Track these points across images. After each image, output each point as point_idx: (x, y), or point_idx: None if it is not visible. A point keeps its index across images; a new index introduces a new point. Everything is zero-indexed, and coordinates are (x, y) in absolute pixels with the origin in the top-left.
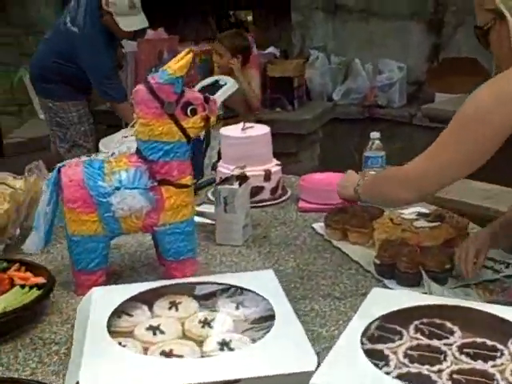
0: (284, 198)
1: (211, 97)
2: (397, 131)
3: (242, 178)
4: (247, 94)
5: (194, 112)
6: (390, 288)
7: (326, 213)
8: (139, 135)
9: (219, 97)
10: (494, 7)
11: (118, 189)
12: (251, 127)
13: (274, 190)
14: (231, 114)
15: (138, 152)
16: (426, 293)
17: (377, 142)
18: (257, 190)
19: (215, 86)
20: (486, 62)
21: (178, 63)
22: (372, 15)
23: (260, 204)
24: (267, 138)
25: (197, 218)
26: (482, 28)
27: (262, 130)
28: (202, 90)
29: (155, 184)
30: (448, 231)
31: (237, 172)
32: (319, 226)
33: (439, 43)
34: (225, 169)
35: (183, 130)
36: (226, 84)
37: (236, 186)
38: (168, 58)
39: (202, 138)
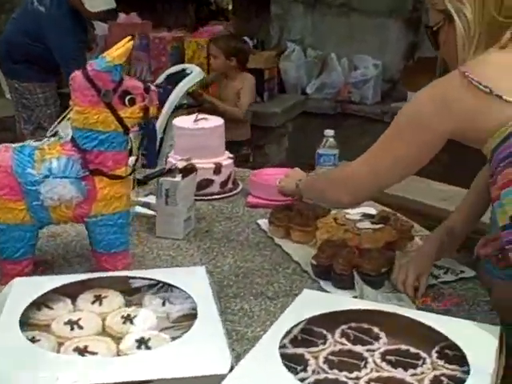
0: (234, 192)
1: (152, 86)
2: (368, 128)
3: (187, 171)
4: (221, 107)
5: (132, 101)
6: (325, 290)
7: (272, 209)
8: (74, 123)
9: (184, 85)
10: (444, 8)
11: (47, 177)
12: (204, 119)
13: (223, 184)
14: (196, 103)
15: (73, 140)
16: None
17: (331, 139)
18: (206, 183)
19: (181, 75)
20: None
21: (118, 51)
22: (351, 10)
23: (208, 197)
24: (220, 130)
25: (141, 209)
26: (431, 28)
27: (215, 122)
28: (169, 78)
29: (88, 174)
30: (390, 234)
31: (181, 164)
32: (264, 223)
33: (416, 42)
34: (175, 160)
35: (120, 120)
36: (192, 73)
37: (179, 178)
38: (139, 43)
39: (155, 127)
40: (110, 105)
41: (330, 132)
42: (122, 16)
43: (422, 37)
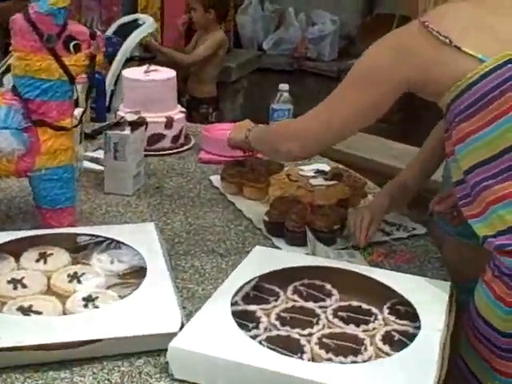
0: (186, 147)
1: (98, 32)
2: (324, 85)
3: (137, 124)
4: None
5: (77, 48)
6: (278, 247)
7: (223, 165)
8: (15, 70)
9: (136, 36)
10: None
11: None
12: (155, 70)
13: (175, 139)
14: (149, 55)
15: (14, 89)
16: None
17: (285, 94)
18: (157, 138)
19: (134, 25)
20: None
21: None
22: None
23: (159, 152)
24: (172, 83)
25: (89, 164)
26: None
27: (167, 74)
28: (120, 29)
29: (30, 125)
30: (343, 191)
31: (130, 117)
32: (216, 179)
33: None
34: (124, 113)
35: (64, 68)
36: (144, 23)
37: (128, 131)
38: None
39: (105, 78)
40: (53, 51)
41: (284, 86)
42: None
43: None
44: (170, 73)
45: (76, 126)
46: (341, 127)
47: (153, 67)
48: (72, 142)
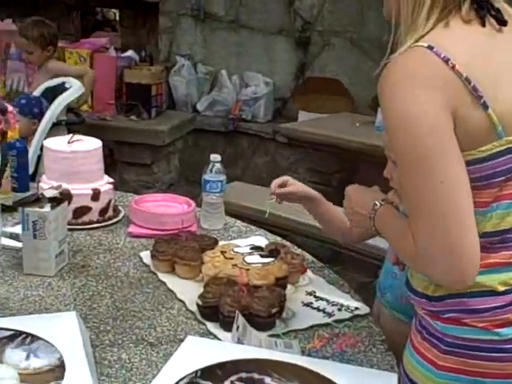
0: (114, 220)
1: (10, 107)
2: (261, 146)
3: (57, 200)
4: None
5: None
6: (212, 334)
7: (154, 241)
8: None
9: (63, 100)
10: None
11: None
12: (79, 140)
13: (103, 212)
14: (76, 120)
15: None
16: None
17: (217, 165)
18: (83, 211)
19: (60, 89)
20: (349, 84)
21: None
22: (241, 27)
23: (86, 226)
24: (97, 153)
25: (8, 241)
26: None
27: (92, 144)
28: (47, 92)
29: None
30: (281, 269)
31: (50, 193)
32: (146, 255)
33: (305, 61)
34: (47, 185)
35: None
36: (71, 87)
37: (47, 208)
38: (15, 53)
39: (26, 146)
40: None
41: (216, 157)
42: (7, 22)
43: (311, 57)
44: (96, 143)
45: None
46: (461, 216)
47: (77, 137)
48: None
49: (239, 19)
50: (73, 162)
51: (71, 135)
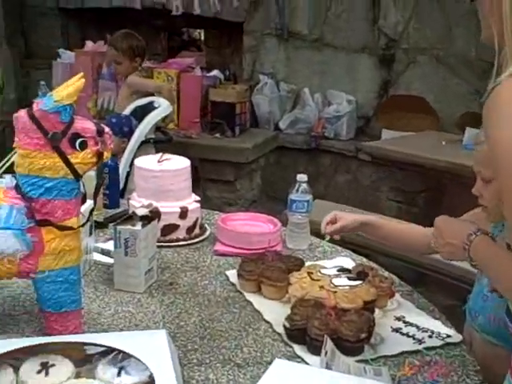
0: (201, 238)
1: (106, 129)
2: (343, 164)
3: (148, 218)
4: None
5: (83, 145)
6: (299, 357)
7: (241, 260)
8: (18, 168)
9: (151, 119)
10: None
11: None
12: (169, 159)
13: (190, 229)
14: (164, 138)
15: (17, 187)
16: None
17: (303, 185)
18: (171, 228)
19: (149, 108)
20: (435, 102)
21: (67, 89)
22: (324, 45)
23: (173, 244)
24: (185, 172)
25: (100, 257)
26: None
27: (181, 163)
28: (136, 111)
29: (33, 225)
30: (369, 292)
31: (141, 211)
32: (233, 274)
33: (389, 79)
34: (138, 202)
35: (70, 166)
36: (159, 106)
37: (138, 227)
38: (107, 73)
39: (117, 164)
40: (58, 148)
41: (302, 177)
42: (89, 44)
43: (396, 75)
44: (184, 162)
45: (83, 225)
46: None
47: (166, 156)
48: (78, 242)
49: (323, 38)
50: (162, 180)
51: (161, 154)
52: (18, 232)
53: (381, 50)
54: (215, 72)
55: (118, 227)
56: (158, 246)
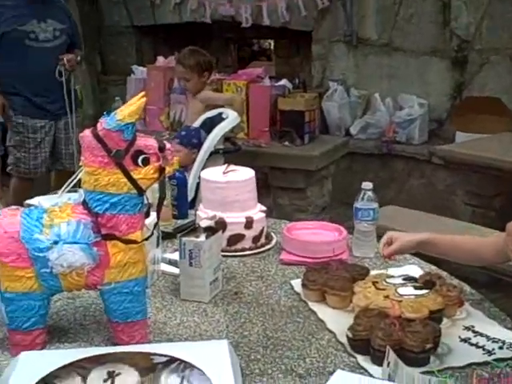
0: (267, 247)
1: (168, 145)
2: (416, 169)
3: (212, 230)
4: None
5: (146, 162)
6: (362, 367)
7: (305, 269)
8: (85, 185)
9: (220, 131)
10: None
11: (56, 243)
12: (234, 170)
13: (256, 239)
14: (233, 148)
15: (84, 203)
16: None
17: (369, 193)
18: (237, 238)
19: (218, 119)
20: (509, 103)
21: (129, 108)
22: (394, 50)
23: (239, 253)
24: (251, 183)
25: (167, 267)
26: None
27: (246, 174)
28: (205, 122)
29: (99, 239)
30: (435, 301)
31: (205, 223)
32: (297, 284)
33: (462, 81)
34: (204, 214)
35: (133, 181)
36: (227, 117)
37: (202, 238)
38: (178, 87)
39: (187, 176)
40: (121, 165)
41: (368, 185)
42: (160, 59)
43: (469, 76)
44: (249, 173)
45: (147, 239)
46: None
47: (231, 167)
48: (142, 255)
49: (392, 42)
50: (227, 191)
51: (226, 165)
52: (85, 246)
53: (453, 52)
54: (284, 81)
55: (183, 239)
56: (224, 256)
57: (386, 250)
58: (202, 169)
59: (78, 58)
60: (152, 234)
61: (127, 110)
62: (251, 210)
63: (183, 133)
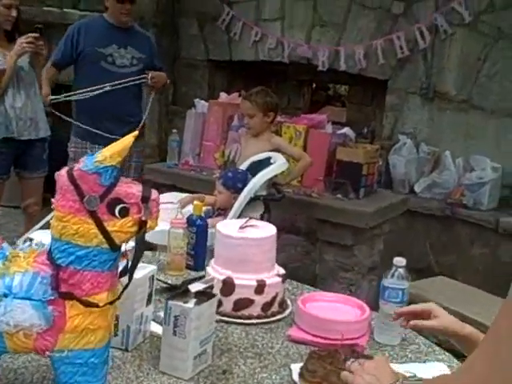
0: (278, 317)
1: (153, 195)
2: (480, 236)
3: (207, 294)
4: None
5: (124, 212)
6: None
7: (308, 354)
8: (52, 231)
9: (264, 175)
10: None
11: (5, 296)
12: (253, 226)
13: (266, 306)
14: (275, 196)
15: (49, 252)
16: None
17: (401, 270)
18: (245, 303)
19: (264, 163)
20: None
21: (112, 148)
22: (472, 107)
23: (244, 321)
24: (270, 242)
25: (157, 328)
26: None
27: (265, 231)
28: (253, 165)
29: (56, 297)
30: None
31: (197, 286)
32: (297, 370)
33: None
34: (214, 271)
35: (106, 234)
36: (275, 163)
37: (191, 304)
38: (237, 125)
39: (207, 224)
40: (94, 214)
41: (400, 261)
42: (223, 95)
43: None
44: (269, 230)
45: (112, 303)
46: None
47: (252, 222)
48: (105, 321)
49: (471, 99)
50: (241, 249)
51: (247, 219)
52: (38, 304)
53: None
54: (346, 129)
55: (169, 302)
56: (227, 322)
57: (416, 322)
58: (240, 215)
59: (168, 82)
60: (119, 298)
61: (109, 152)
62: (265, 273)
63: (230, 174)
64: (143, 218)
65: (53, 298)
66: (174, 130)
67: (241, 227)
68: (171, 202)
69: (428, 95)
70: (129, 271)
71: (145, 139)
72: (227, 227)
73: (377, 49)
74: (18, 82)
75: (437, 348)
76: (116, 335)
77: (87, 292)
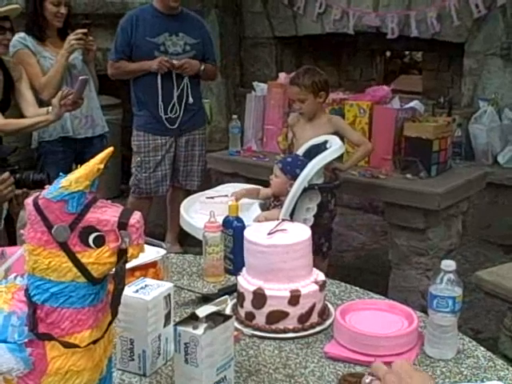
0: (317, 329)
1: (132, 220)
2: None
3: (223, 317)
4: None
5: (99, 241)
6: None
7: (339, 378)
8: (26, 265)
9: (318, 161)
10: None
11: None
12: (284, 230)
13: (303, 318)
14: (330, 185)
15: (26, 288)
16: None
17: (450, 275)
18: (278, 316)
19: (321, 148)
20: None
21: (78, 173)
22: None
23: (278, 336)
24: (303, 247)
25: None
26: None
27: (298, 235)
28: (310, 150)
29: (33, 338)
30: None
31: (206, 310)
32: None
33: None
34: (245, 281)
35: (81, 267)
36: (330, 147)
37: (200, 330)
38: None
39: (245, 225)
40: (65, 246)
41: (449, 265)
42: (281, 76)
43: None
44: (303, 234)
45: (95, 342)
46: None
47: (283, 225)
48: (92, 361)
49: None
50: (271, 257)
51: (278, 222)
52: (14, 346)
53: None
54: (414, 103)
55: (178, 328)
56: (260, 337)
57: None
58: (295, 206)
59: (202, 68)
60: (102, 337)
61: (74, 176)
62: (300, 282)
63: (289, 159)
64: (122, 247)
65: (31, 339)
66: (234, 116)
67: (269, 233)
68: (225, 196)
69: (509, 56)
70: (110, 306)
71: (209, 125)
72: (254, 234)
73: (450, 10)
74: (71, 80)
75: (499, 362)
76: (132, 360)
77: (67, 331)
